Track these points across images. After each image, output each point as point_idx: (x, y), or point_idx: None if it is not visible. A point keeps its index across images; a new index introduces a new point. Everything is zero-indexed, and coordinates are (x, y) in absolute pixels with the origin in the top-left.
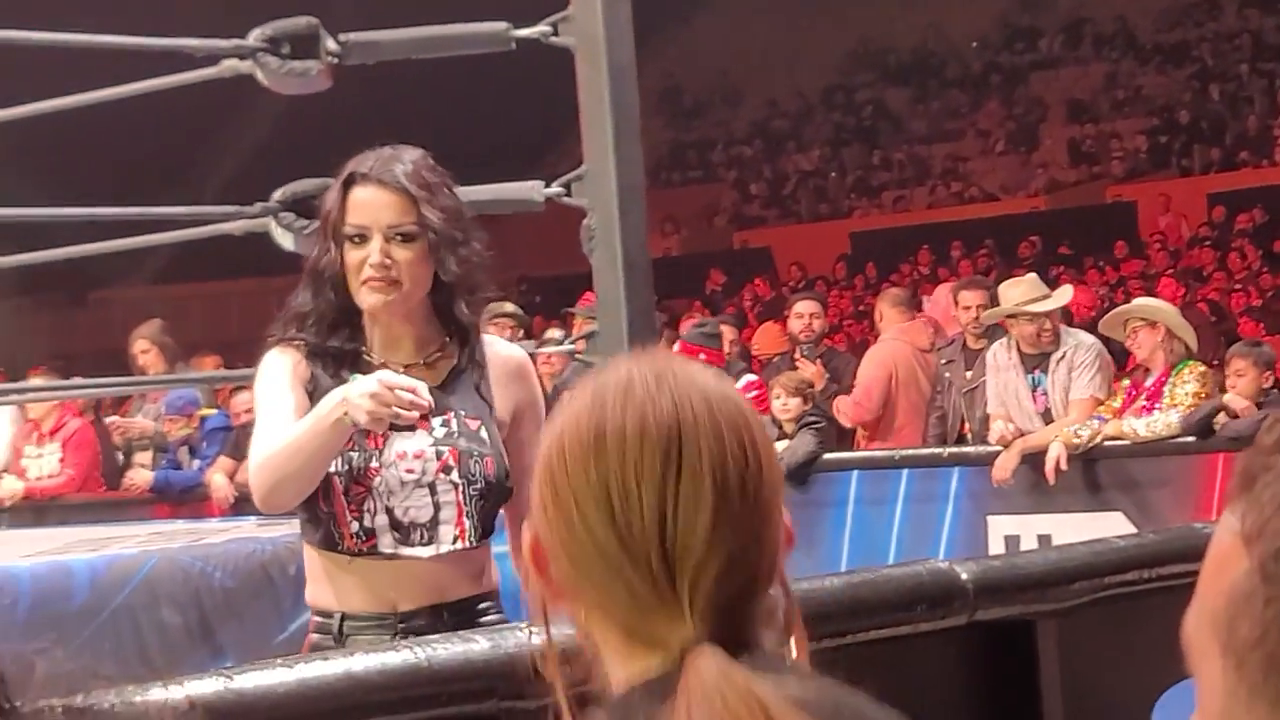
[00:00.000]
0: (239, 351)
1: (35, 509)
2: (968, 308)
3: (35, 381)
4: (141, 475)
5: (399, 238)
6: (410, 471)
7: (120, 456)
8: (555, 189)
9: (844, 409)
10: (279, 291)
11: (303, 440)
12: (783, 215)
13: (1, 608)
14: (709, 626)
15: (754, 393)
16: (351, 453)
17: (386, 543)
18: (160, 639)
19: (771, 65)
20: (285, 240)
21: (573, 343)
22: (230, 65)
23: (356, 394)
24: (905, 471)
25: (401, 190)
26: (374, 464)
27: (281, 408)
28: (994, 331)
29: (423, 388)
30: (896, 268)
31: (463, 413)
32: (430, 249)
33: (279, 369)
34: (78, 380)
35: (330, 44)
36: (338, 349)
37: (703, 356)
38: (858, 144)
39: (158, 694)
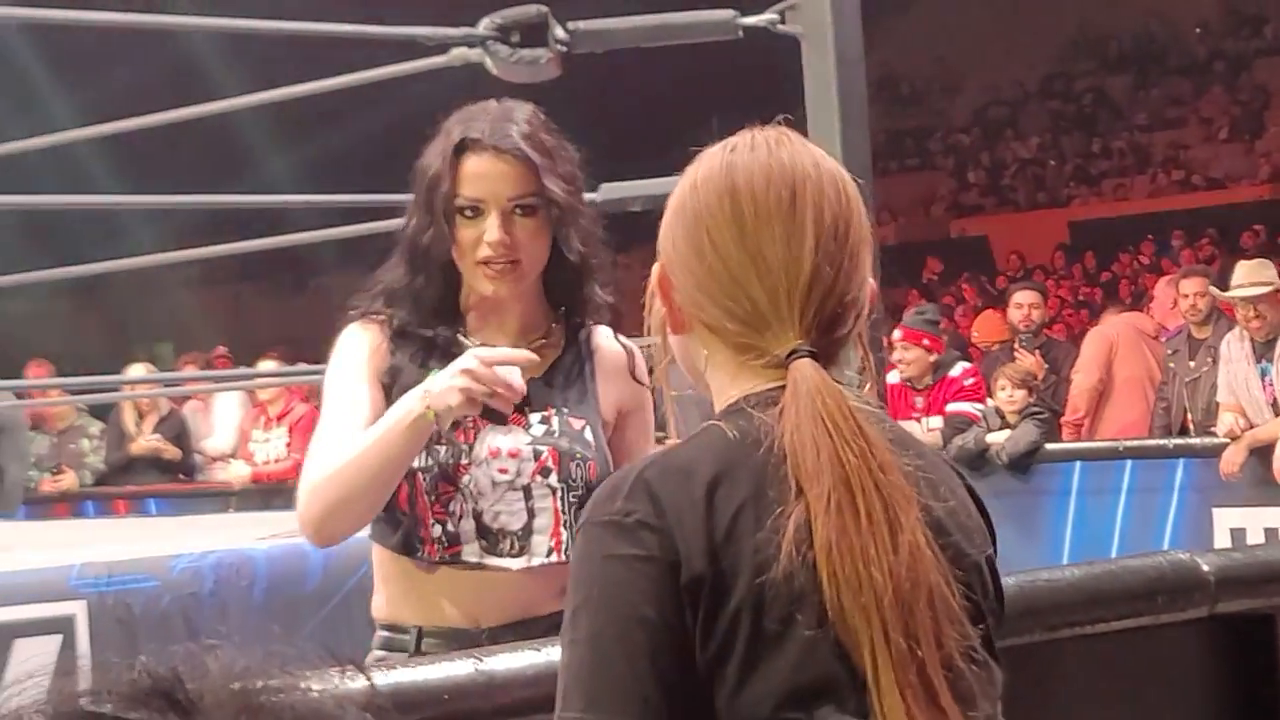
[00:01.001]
0: None
1: (262, 492)
2: (1186, 295)
3: (265, 366)
4: None
5: (518, 210)
6: (503, 472)
7: None
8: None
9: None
10: None
11: (369, 454)
12: (1000, 204)
13: (239, 590)
14: (809, 341)
15: (971, 379)
16: (438, 447)
17: (472, 551)
18: None
19: (989, 53)
20: None
21: None
22: (459, 54)
23: (448, 375)
24: (1129, 462)
25: (522, 157)
26: (463, 460)
27: (346, 414)
28: (1219, 320)
29: (517, 371)
30: (1116, 257)
31: (565, 410)
32: (551, 223)
33: (355, 356)
34: (303, 366)
35: (559, 32)
36: (431, 336)
37: (926, 342)
38: (1077, 132)
39: (333, 684)
